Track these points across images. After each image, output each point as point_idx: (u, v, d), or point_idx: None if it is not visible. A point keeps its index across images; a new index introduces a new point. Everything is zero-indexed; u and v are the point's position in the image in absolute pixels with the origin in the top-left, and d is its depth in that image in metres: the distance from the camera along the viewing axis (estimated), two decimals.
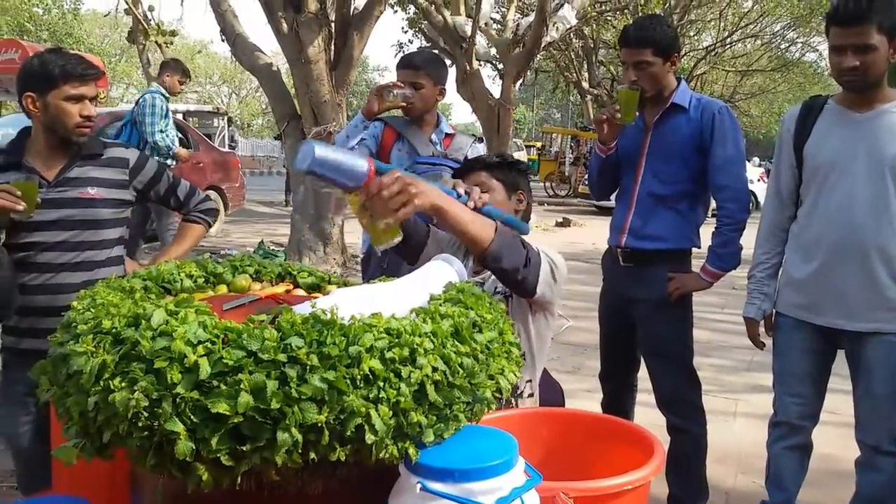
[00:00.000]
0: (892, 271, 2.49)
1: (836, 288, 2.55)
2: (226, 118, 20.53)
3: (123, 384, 1.07)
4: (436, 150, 3.22)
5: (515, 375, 1.39)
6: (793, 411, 2.71)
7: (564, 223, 15.04)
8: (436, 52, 3.16)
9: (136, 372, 1.07)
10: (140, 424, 1.06)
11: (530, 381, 2.24)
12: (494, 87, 17.49)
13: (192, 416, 1.05)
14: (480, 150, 3.31)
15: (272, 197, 18.41)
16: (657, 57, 2.86)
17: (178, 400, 1.05)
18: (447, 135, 3.31)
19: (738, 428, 4.24)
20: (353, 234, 8.17)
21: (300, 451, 1.07)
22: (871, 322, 2.52)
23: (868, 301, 2.52)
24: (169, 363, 1.07)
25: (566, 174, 23.54)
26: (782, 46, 31.72)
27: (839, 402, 2.90)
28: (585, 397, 4.08)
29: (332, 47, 7.90)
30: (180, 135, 11.32)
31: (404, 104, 3.15)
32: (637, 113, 2.93)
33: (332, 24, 7.84)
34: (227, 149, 14.91)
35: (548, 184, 23.74)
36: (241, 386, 1.05)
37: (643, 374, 3.17)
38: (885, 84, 2.51)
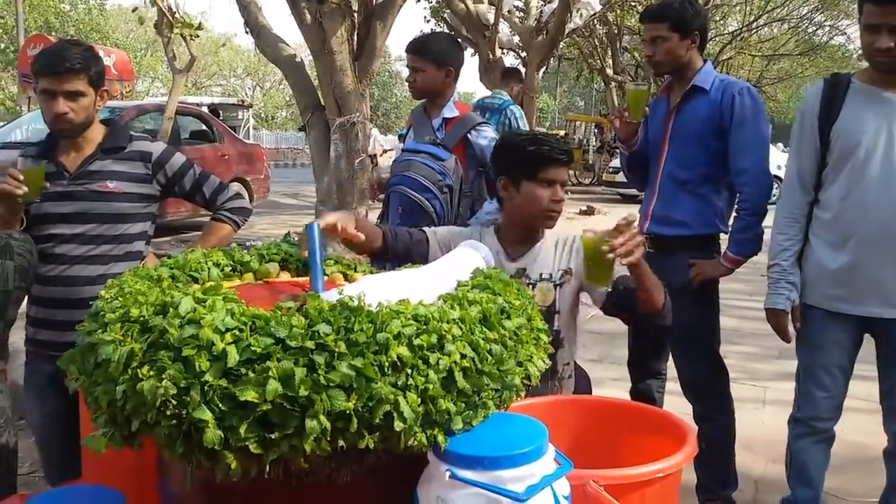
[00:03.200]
0: None
1: (875, 276, 2.46)
2: (250, 110, 20.66)
3: (152, 372, 1.07)
4: (433, 136, 3.18)
5: (544, 362, 1.38)
6: (823, 406, 2.63)
7: (588, 211, 14.94)
8: (445, 32, 3.06)
9: (165, 360, 1.07)
10: (168, 413, 1.06)
11: (568, 363, 2.29)
12: None
13: (220, 404, 1.05)
14: (486, 133, 3.17)
15: (297, 189, 18.48)
16: (673, 32, 2.82)
17: (206, 388, 1.05)
18: (448, 119, 3.22)
19: (767, 416, 4.19)
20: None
21: (328, 438, 1.07)
22: None
23: None
24: (197, 351, 1.06)
25: (590, 162, 23.38)
26: (809, 30, 31.29)
27: (870, 389, 2.84)
28: (612, 385, 4.05)
29: (356, 37, 7.87)
30: (204, 126, 11.46)
31: None
32: (646, 110, 2.94)
33: (355, 14, 7.81)
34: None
35: (571, 172, 23.60)
36: (270, 373, 1.04)
37: (671, 361, 3.14)
38: None
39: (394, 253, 2.17)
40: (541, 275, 2.22)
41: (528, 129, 7.21)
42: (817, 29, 31.41)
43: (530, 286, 2.20)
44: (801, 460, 2.71)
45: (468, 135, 3.14)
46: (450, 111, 3.22)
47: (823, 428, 2.66)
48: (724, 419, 2.97)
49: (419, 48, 3.17)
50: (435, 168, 3.04)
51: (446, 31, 17.26)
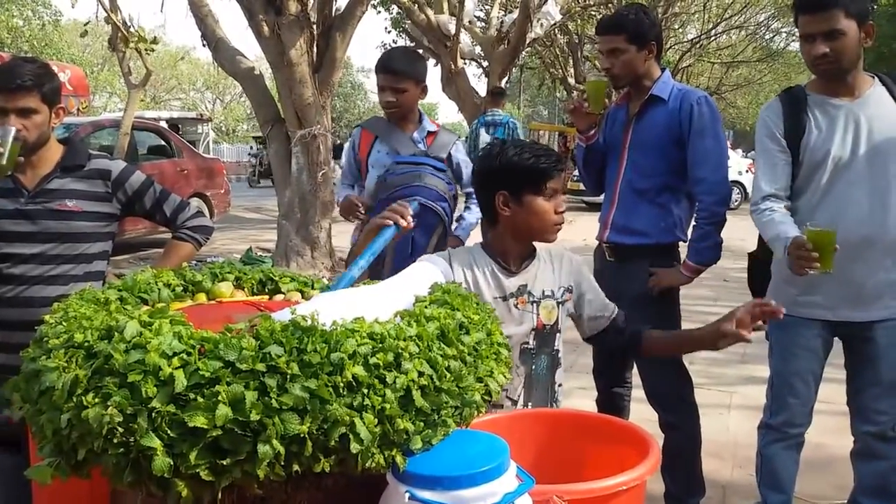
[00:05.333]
0: None
1: (847, 281, 2.48)
2: (210, 123, 20.51)
3: (97, 399, 1.04)
4: (417, 148, 3.15)
5: (505, 377, 1.36)
6: (797, 412, 2.65)
7: None
8: (412, 47, 3.01)
9: (110, 386, 1.04)
10: (115, 441, 1.02)
11: (561, 384, 2.21)
12: (480, 85, 17.50)
13: (168, 431, 1.02)
14: (461, 149, 3.26)
15: (258, 202, 18.33)
16: (630, 44, 2.82)
17: (153, 414, 1.02)
18: (430, 132, 3.24)
19: (733, 421, 4.22)
20: (341, 236, 8.12)
21: (283, 463, 1.04)
22: (882, 309, 2.49)
23: (880, 290, 2.48)
24: (143, 376, 1.03)
25: None
26: (767, 37, 31.86)
27: (832, 392, 2.87)
28: (580, 395, 4.05)
29: (315, 49, 7.84)
30: (162, 141, 11.33)
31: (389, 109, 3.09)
32: (606, 101, 2.94)
33: (314, 26, 7.78)
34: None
35: None
36: (219, 398, 1.01)
37: (637, 369, 3.14)
38: (861, 68, 2.49)
39: None
40: (543, 292, 2.12)
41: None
42: (774, 35, 32.00)
43: (534, 304, 2.10)
44: (772, 466, 2.72)
45: (451, 149, 3.18)
46: (429, 125, 3.24)
47: (796, 433, 2.69)
48: (689, 427, 2.97)
49: (400, 68, 3.09)
50: (443, 178, 3.08)
51: (407, 42, 17.27)
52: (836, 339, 2.65)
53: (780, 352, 2.69)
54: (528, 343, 2.08)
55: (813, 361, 2.62)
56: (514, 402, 2.07)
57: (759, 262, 2.76)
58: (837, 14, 2.35)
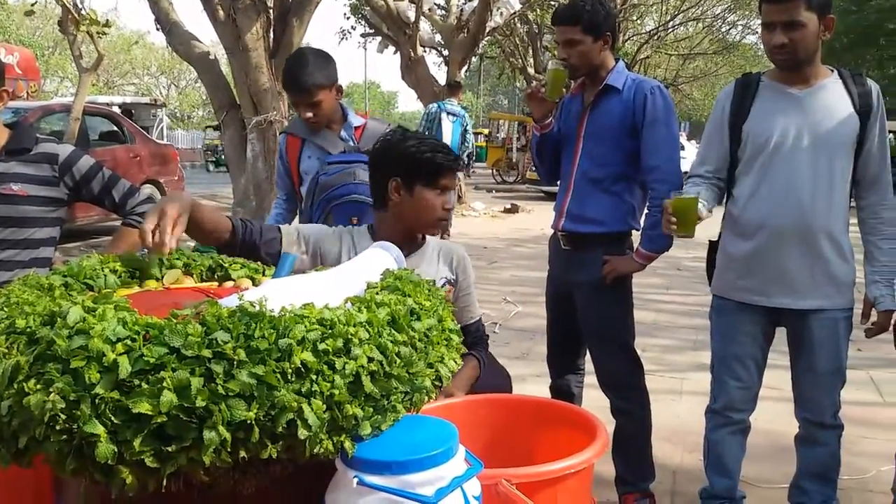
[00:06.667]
0: (836, 248, 2.52)
1: (782, 268, 2.54)
2: (164, 109, 20.13)
3: (38, 386, 1.02)
4: (347, 145, 3.05)
5: (456, 363, 1.36)
6: (737, 396, 2.70)
7: (512, 209, 15.09)
8: (314, 49, 2.77)
9: (52, 373, 1.02)
10: (57, 428, 1.01)
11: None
12: (440, 74, 17.50)
13: (112, 417, 1.00)
14: None
15: (213, 190, 18.10)
16: (586, 35, 2.84)
17: (97, 401, 1.00)
18: (356, 127, 3.11)
19: (684, 407, 4.29)
20: None
21: (229, 449, 1.03)
22: (816, 299, 2.54)
23: (813, 279, 2.53)
24: (86, 362, 1.01)
25: (514, 160, 23.60)
26: (723, 29, 32.32)
27: (780, 378, 2.93)
28: (535, 382, 4.09)
29: (271, 34, 7.76)
30: (115, 127, 11.11)
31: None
32: (564, 91, 2.96)
33: (271, 11, 7.70)
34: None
35: (495, 170, 23.77)
36: (164, 384, 1.00)
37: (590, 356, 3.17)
38: (818, 61, 2.53)
39: (243, 247, 1.97)
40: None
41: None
42: (730, 28, 32.50)
43: None
44: (717, 451, 2.77)
45: None
46: (355, 119, 3.12)
47: (738, 419, 2.73)
48: (640, 412, 3.01)
49: (310, 84, 2.91)
50: None
51: (367, 29, 17.10)
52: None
53: (719, 336, 2.74)
54: None
55: (753, 346, 2.67)
56: None
57: (715, 250, 2.81)
58: (799, 5, 2.39)
